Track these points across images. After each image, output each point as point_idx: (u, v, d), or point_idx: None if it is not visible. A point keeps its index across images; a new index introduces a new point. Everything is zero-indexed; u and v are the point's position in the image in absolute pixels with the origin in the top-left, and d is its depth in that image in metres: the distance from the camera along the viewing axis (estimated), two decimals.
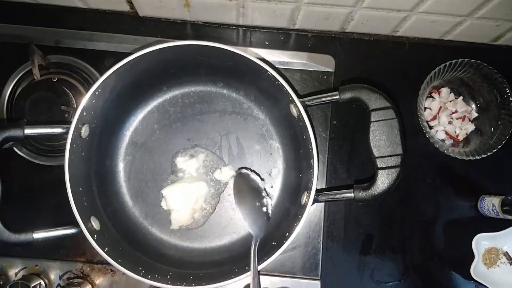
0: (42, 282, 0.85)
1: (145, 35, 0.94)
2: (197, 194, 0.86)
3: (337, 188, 0.75)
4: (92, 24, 0.95)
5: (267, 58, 0.94)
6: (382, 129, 0.69)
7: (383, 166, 0.69)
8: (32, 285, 0.82)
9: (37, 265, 0.87)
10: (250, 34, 0.97)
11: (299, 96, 0.69)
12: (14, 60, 0.91)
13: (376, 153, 0.70)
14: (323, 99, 0.71)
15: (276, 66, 0.94)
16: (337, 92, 0.70)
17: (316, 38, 0.97)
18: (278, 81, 0.68)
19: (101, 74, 0.90)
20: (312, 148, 0.68)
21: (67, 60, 0.93)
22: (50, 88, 0.89)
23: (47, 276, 0.87)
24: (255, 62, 0.68)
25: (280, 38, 0.97)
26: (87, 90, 0.89)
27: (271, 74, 0.68)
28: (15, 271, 0.87)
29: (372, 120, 0.70)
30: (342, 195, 0.72)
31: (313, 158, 0.68)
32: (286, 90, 0.68)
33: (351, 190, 0.72)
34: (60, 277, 0.87)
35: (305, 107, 0.69)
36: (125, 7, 0.93)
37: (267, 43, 0.96)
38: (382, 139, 0.70)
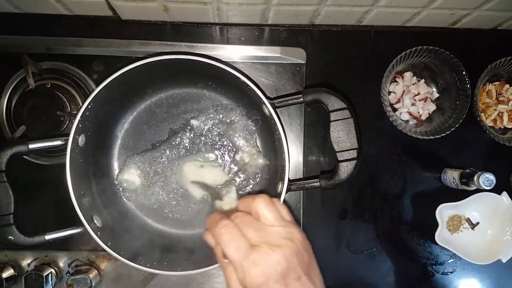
0: (53, 271, 0.92)
1: (129, 38, 1.00)
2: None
3: (309, 178, 0.83)
4: (79, 30, 1.00)
5: (244, 54, 1.01)
6: (340, 127, 0.77)
7: (343, 159, 0.77)
8: (45, 274, 0.89)
9: (46, 255, 0.95)
10: (227, 30, 1.03)
11: (269, 98, 0.77)
12: (7, 70, 0.96)
13: (336, 148, 0.77)
14: (290, 101, 0.78)
15: (253, 61, 1.01)
16: (301, 95, 0.78)
17: (288, 31, 1.03)
18: (250, 86, 0.75)
19: (90, 77, 0.99)
20: (283, 144, 0.75)
21: (58, 66, 0.98)
22: (45, 94, 0.94)
23: (57, 265, 0.95)
24: (229, 72, 0.75)
25: (255, 33, 1.03)
26: (79, 94, 0.97)
27: (243, 80, 0.75)
28: (27, 262, 0.95)
29: (331, 119, 0.77)
30: (310, 184, 0.80)
31: (284, 153, 0.76)
32: (258, 94, 0.75)
33: (318, 180, 0.80)
34: (69, 265, 0.95)
35: (275, 108, 0.76)
36: (108, 12, 0.98)
37: (243, 38, 1.02)
38: (341, 136, 0.77)
